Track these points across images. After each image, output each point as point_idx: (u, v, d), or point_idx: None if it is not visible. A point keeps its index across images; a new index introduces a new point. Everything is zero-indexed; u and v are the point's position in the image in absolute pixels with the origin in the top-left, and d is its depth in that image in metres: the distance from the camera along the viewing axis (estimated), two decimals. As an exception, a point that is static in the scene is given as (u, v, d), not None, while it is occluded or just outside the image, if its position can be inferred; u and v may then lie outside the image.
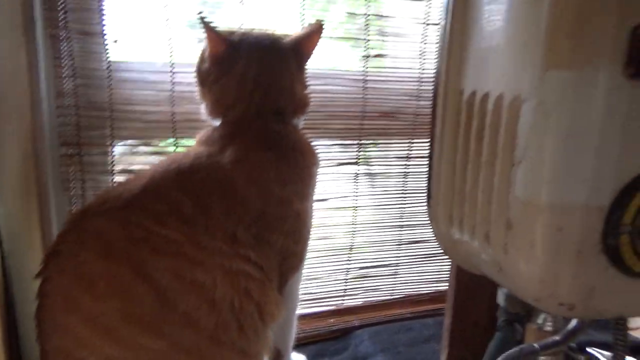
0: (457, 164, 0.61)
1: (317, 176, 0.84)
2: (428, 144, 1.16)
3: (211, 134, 0.81)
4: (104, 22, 0.92)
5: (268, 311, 0.74)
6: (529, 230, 0.51)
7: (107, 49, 0.93)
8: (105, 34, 0.92)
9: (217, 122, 0.83)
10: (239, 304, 0.70)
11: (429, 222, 0.70)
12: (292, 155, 0.80)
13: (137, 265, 0.64)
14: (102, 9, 0.91)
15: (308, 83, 0.87)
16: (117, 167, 0.99)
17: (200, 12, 0.77)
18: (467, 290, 0.91)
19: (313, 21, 0.83)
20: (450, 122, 0.62)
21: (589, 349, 0.95)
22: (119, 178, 0.99)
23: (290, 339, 0.88)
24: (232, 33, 0.82)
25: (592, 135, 0.47)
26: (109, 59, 0.93)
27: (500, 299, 0.75)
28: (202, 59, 0.84)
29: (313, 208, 0.84)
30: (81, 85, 0.93)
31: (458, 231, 0.62)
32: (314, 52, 0.84)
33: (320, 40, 0.83)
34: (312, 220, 0.84)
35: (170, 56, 0.96)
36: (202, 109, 0.85)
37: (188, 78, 0.97)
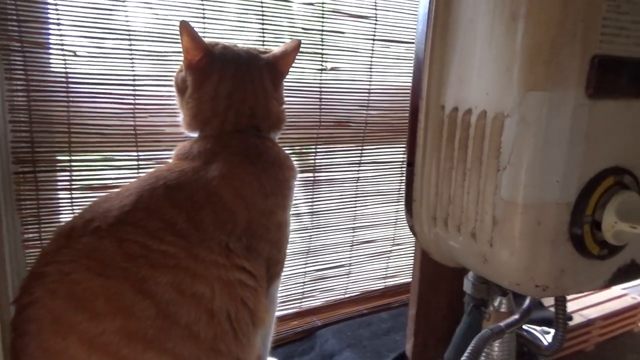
0: (441, 169, 0.69)
1: (294, 188, 0.88)
2: (378, 150, 1.26)
3: (190, 148, 0.81)
4: (60, 34, 0.88)
5: (260, 317, 0.77)
6: (512, 226, 0.60)
7: (65, 61, 0.89)
8: (62, 46, 0.88)
9: (194, 135, 0.84)
10: (235, 313, 0.72)
11: (408, 225, 0.77)
12: (273, 169, 0.83)
13: (138, 281, 0.64)
14: (58, 20, 0.87)
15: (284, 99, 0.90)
16: (76, 184, 0.95)
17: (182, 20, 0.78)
18: (430, 282, 1.00)
19: (290, 40, 0.87)
20: (432, 134, 0.69)
21: (525, 326, 1.09)
22: (78, 195, 0.95)
23: (269, 343, 0.92)
24: (215, 45, 0.83)
25: (562, 144, 0.57)
26: (67, 72, 0.89)
27: (467, 287, 0.85)
28: (181, 68, 0.85)
29: (290, 218, 0.88)
30: (36, 100, 0.88)
31: (442, 230, 0.70)
32: (289, 69, 0.88)
33: (296, 56, 0.87)
34: (289, 229, 0.88)
35: (132, 68, 0.94)
36: (180, 120, 0.85)
37: (150, 90, 0.96)
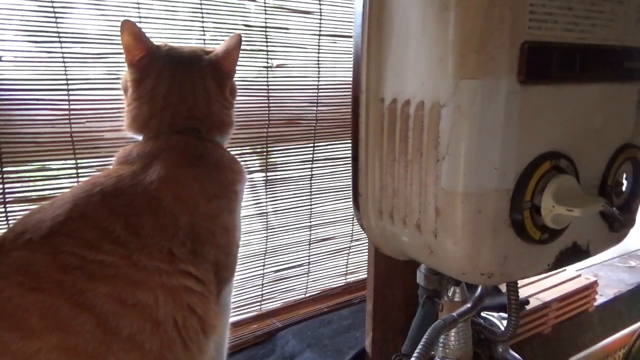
0: (384, 162, 0.68)
1: (244, 191, 0.86)
2: (330, 146, 1.25)
3: (129, 152, 0.79)
4: (-16, 38, 0.83)
5: (210, 324, 0.75)
6: (454, 216, 0.60)
7: (-11, 67, 0.84)
8: (-14, 51, 0.83)
9: (137, 138, 0.81)
10: (183, 321, 0.70)
11: (356, 219, 0.76)
12: (215, 172, 0.81)
13: (74, 294, 0.61)
14: (-20, 23, 0.82)
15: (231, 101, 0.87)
16: (10, 197, 0.90)
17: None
18: (385, 277, 1.00)
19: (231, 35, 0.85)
20: (373, 127, 0.69)
21: (483, 313, 1.11)
22: (12, 208, 0.90)
23: (225, 350, 0.89)
24: (162, 46, 0.81)
25: (497, 131, 0.57)
26: (-8, 78, 0.84)
27: (420, 279, 0.85)
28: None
29: (241, 221, 0.85)
30: (-41, 108, 0.83)
31: (388, 224, 0.70)
32: (235, 67, 0.86)
33: (239, 53, 0.85)
34: (240, 233, 0.86)
35: (65, 72, 0.89)
36: (123, 122, 0.82)
37: (86, 94, 0.92)
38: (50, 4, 0.86)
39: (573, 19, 0.59)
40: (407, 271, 0.95)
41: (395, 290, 1.03)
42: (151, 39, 0.81)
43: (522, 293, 1.03)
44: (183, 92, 0.81)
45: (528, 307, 1.31)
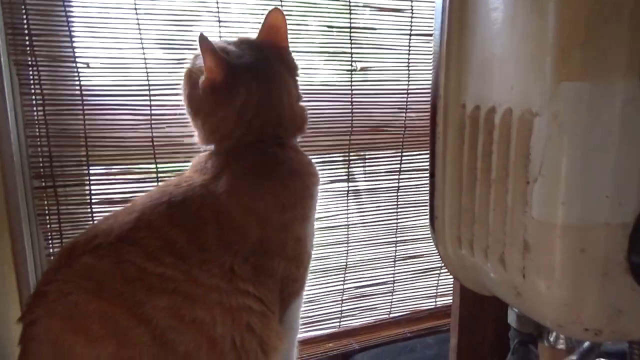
0: (464, 181, 0.57)
1: (317, 195, 0.79)
2: (419, 156, 1.14)
3: (205, 161, 0.76)
4: (73, 46, 0.86)
5: (271, 345, 0.71)
6: (548, 253, 0.47)
7: (78, 74, 0.87)
8: (75, 58, 0.87)
9: (210, 147, 0.78)
10: (241, 341, 0.67)
11: (434, 244, 0.66)
12: (291, 180, 0.76)
13: (133, 305, 0.61)
14: (71, 33, 0.86)
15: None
16: (95, 198, 0.93)
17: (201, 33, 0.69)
18: (473, 306, 0.87)
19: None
20: (452, 138, 0.58)
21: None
22: (98, 209, 0.93)
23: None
24: (227, 52, 0.75)
25: (610, 149, 0.44)
26: (81, 84, 0.88)
27: (511, 319, 0.72)
28: (191, 84, 0.76)
29: (314, 228, 0.79)
30: (52, 113, 0.88)
31: (468, 253, 0.59)
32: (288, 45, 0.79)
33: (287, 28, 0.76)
34: (313, 241, 0.79)
35: (147, 78, 0.91)
36: (195, 136, 0.79)
37: (166, 100, 0.93)
38: (134, 12, 0.88)
39: None
40: (501, 302, 0.82)
41: (486, 324, 0.89)
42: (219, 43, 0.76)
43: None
44: (271, 98, 0.76)
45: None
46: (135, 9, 0.88)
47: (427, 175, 1.16)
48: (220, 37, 0.93)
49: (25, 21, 0.83)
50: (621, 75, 0.42)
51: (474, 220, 0.57)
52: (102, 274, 0.63)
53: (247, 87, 0.74)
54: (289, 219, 0.74)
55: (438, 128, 0.60)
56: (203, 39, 0.68)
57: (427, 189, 1.17)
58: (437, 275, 1.26)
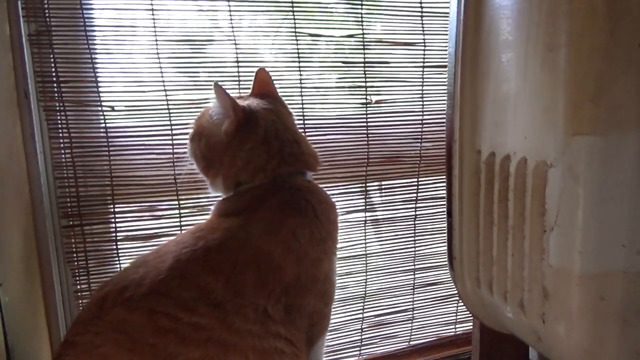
0: (481, 225, 0.58)
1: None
2: (435, 184, 1.15)
3: (233, 204, 0.76)
4: (99, 91, 0.90)
5: None
6: (568, 301, 0.48)
7: (104, 117, 0.91)
8: (101, 102, 0.91)
9: (228, 193, 0.79)
10: None
11: (452, 282, 0.67)
12: (320, 213, 0.76)
13: (165, 358, 0.61)
14: (96, 78, 0.90)
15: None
16: (121, 235, 0.96)
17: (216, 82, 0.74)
18: (494, 339, 0.87)
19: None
20: (469, 182, 0.59)
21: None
22: (123, 245, 0.96)
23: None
24: (239, 98, 0.80)
25: (625, 200, 0.45)
26: (106, 126, 0.91)
27: (532, 355, 0.72)
28: (206, 137, 0.79)
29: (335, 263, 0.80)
30: (79, 155, 0.91)
31: (487, 293, 0.59)
32: None
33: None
34: (335, 277, 0.80)
35: (169, 118, 0.94)
36: (210, 186, 0.81)
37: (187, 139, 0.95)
38: (156, 57, 0.91)
39: None
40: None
41: (508, 352, 0.89)
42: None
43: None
44: (289, 130, 0.79)
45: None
46: (158, 54, 0.91)
47: (444, 202, 1.17)
48: (239, 80, 0.97)
49: (53, 69, 0.87)
50: (633, 128, 0.44)
51: (492, 263, 0.57)
52: (133, 326, 0.62)
53: (265, 119, 0.77)
54: (321, 252, 0.75)
55: (454, 171, 0.61)
56: (219, 89, 0.72)
57: (444, 215, 1.18)
58: (456, 302, 1.25)
